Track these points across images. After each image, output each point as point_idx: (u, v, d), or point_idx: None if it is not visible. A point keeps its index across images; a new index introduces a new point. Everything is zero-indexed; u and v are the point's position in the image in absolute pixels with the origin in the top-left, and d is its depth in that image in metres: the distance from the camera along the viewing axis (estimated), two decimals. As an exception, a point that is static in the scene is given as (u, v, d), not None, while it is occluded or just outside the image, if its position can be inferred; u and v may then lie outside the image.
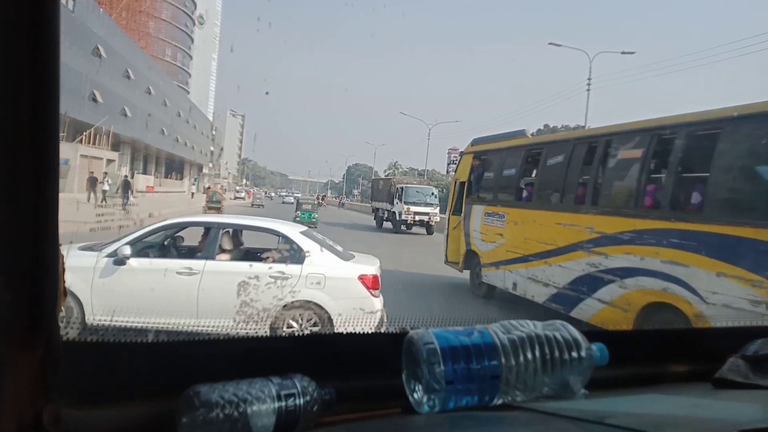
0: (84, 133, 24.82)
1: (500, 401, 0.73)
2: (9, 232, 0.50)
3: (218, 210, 19.88)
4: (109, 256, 4.80)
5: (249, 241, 5.93)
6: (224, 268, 4.96)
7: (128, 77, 32.79)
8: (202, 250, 5.14)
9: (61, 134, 0.57)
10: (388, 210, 23.78)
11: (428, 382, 0.70)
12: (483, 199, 8.60)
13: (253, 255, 5.51)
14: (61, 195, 0.56)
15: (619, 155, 5.97)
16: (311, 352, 0.76)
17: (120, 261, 4.73)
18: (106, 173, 22.41)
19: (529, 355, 0.73)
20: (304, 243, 5.06)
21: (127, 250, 4.73)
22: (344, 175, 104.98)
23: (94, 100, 26.60)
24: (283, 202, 50.94)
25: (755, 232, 4.23)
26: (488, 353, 0.73)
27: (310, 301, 4.78)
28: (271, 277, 4.83)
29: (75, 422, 0.59)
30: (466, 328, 0.76)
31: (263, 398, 0.64)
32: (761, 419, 0.66)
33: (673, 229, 4.98)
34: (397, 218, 22.07)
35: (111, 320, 4.45)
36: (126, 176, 25.70)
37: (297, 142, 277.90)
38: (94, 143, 26.26)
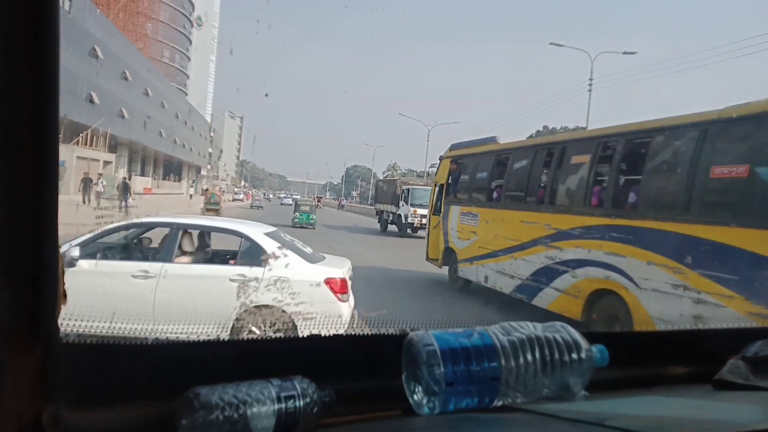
0: (81, 135, 24.73)
1: (500, 403, 0.73)
2: (9, 232, 0.50)
3: (216, 212, 19.85)
4: None
5: (222, 243, 5.78)
6: (183, 271, 4.77)
7: (125, 78, 32.71)
8: (161, 252, 4.97)
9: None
10: (393, 212, 23.14)
11: (428, 384, 0.70)
12: (459, 200, 9.40)
13: (221, 257, 5.36)
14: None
15: (571, 160, 6.74)
16: (311, 353, 0.76)
17: (69, 263, 4.38)
18: (100, 174, 22.31)
19: (529, 357, 0.73)
20: (268, 245, 4.87)
21: (75, 252, 4.47)
22: (343, 176, 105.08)
23: (91, 101, 26.50)
24: (281, 204, 50.91)
25: (676, 227, 5.04)
26: (488, 355, 0.73)
27: (271, 306, 4.58)
28: (231, 280, 4.65)
29: (74, 423, 0.59)
30: (466, 330, 0.76)
31: (263, 400, 0.63)
32: (762, 421, 0.66)
33: (613, 225, 5.76)
34: (403, 221, 21.61)
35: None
36: (125, 178, 25.62)
37: (295, 143, 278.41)
38: (90, 145, 26.16)
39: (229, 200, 43.18)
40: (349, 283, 4.98)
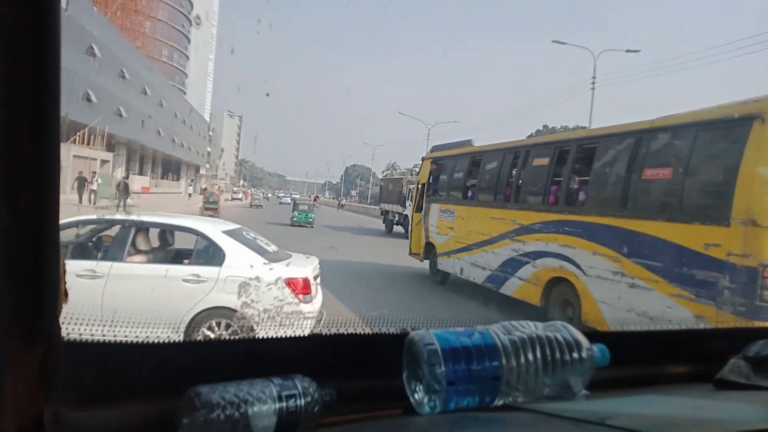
0: (78, 134, 24.63)
1: (501, 402, 0.73)
2: (9, 232, 0.50)
3: (215, 211, 19.84)
4: None
5: (190, 242, 5.39)
6: (134, 270, 4.52)
7: (123, 77, 32.59)
8: (110, 251, 4.69)
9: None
10: (399, 213, 22.08)
11: (429, 383, 0.70)
12: (438, 198, 10.13)
13: (185, 256, 5.07)
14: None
15: (533, 163, 7.55)
16: (312, 352, 0.76)
17: None
18: (94, 173, 22.02)
19: (530, 356, 0.73)
20: (225, 243, 4.59)
21: None
22: (342, 176, 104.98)
23: (88, 99, 26.34)
24: (280, 203, 50.85)
25: (615, 221, 5.80)
26: (489, 354, 0.73)
27: (226, 307, 4.32)
28: (184, 280, 4.39)
29: (75, 423, 0.59)
30: (467, 329, 0.76)
31: (264, 399, 0.64)
32: (763, 420, 0.66)
33: (566, 220, 6.54)
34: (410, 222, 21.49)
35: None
36: (124, 177, 25.52)
37: (294, 143, 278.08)
38: (88, 143, 26.03)
39: (227, 199, 43.11)
40: (315, 283, 4.75)
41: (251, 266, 4.52)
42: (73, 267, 4.38)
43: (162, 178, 48.82)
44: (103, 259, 4.62)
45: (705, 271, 4.77)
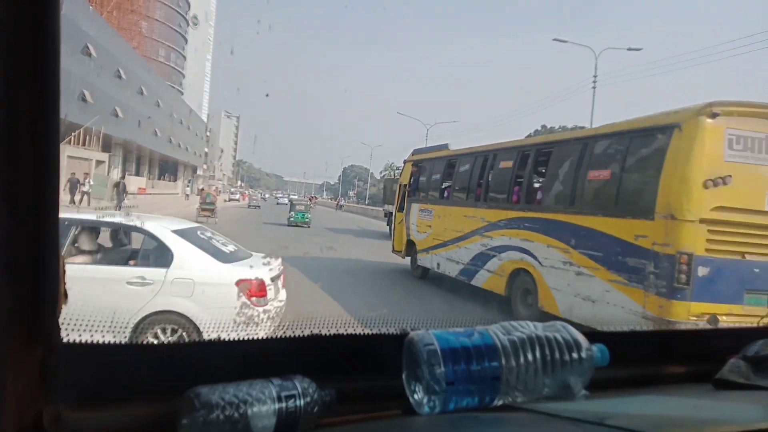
0: (73, 134, 24.47)
1: (501, 402, 0.73)
2: (9, 232, 0.50)
3: (212, 211, 19.77)
4: None
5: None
6: (73, 273, 4.14)
7: (119, 77, 32.45)
8: None
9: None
10: None
11: (429, 383, 0.70)
12: (418, 199, 10.93)
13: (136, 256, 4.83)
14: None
15: (499, 165, 8.36)
16: (311, 353, 0.76)
17: None
18: (87, 174, 21.80)
19: (530, 356, 0.74)
20: (174, 243, 4.33)
21: None
22: (340, 176, 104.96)
23: (84, 100, 26.16)
24: (277, 203, 50.81)
25: (565, 217, 6.54)
26: (489, 354, 0.73)
27: (174, 312, 4.09)
28: (128, 283, 4.14)
29: (75, 424, 0.59)
30: (467, 330, 0.76)
31: (264, 399, 0.63)
32: (762, 420, 0.67)
33: (526, 217, 7.33)
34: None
35: None
36: (121, 178, 25.37)
37: (292, 143, 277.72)
38: (83, 144, 25.84)
39: (225, 200, 42.99)
40: (274, 284, 4.53)
41: (202, 268, 4.28)
42: None
43: (159, 178, 48.67)
44: None
45: (635, 259, 5.49)
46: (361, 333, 0.79)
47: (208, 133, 73.83)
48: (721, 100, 5.28)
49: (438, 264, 9.66)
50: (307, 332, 0.75)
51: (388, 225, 24.06)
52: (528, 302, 7.19)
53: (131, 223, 4.75)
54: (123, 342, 0.65)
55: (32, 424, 0.54)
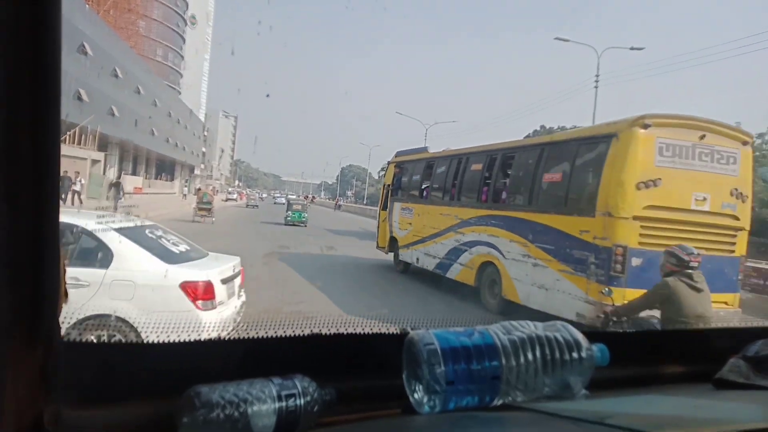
0: (68, 133, 24.30)
1: (501, 402, 0.73)
2: (9, 232, 0.50)
3: (209, 211, 19.78)
4: None
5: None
6: None
7: (116, 76, 32.31)
8: None
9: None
10: None
11: (429, 383, 0.70)
12: (400, 198, 11.75)
13: None
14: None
15: (471, 167, 9.13)
16: (312, 352, 0.76)
17: None
18: (78, 172, 21.61)
19: (530, 356, 0.73)
20: (113, 242, 4.01)
21: None
22: (338, 176, 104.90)
23: (80, 98, 25.99)
24: (274, 203, 50.79)
25: (524, 215, 7.35)
26: (489, 354, 0.73)
27: (111, 315, 3.81)
28: None
29: (75, 423, 0.59)
30: (467, 329, 0.76)
31: (264, 398, 0.63)
32: (762, 420, 0.67)
33: (492, 215, 8.14)
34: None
35: None
36: (118, 177, 25.23)
37: (291, 143, 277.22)
38: (79, 143, 25.70)
39: (223, 200, 42.89)
40: (227, 287, 4.25)
41: (144, 269, 3.99)
42: None
43: (156, 178, 48.51)
44: None
45: (580, 251, 6.23)
46: (362, 332, 0.79)
47: (205, 133, 73.66)
48: (653, 113, 6.00)
49: (417, 259, 10.45)
50: (307, 331, 0.75)
51: None
52: (494, 292, 7.92)
53: (65, 219, 4.25)
54: (123, 341, 0.65)
55: (32, 424, 0.54)
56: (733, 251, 6.37)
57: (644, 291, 4.01)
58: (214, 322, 4.02)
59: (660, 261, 3.99)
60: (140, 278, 3.93)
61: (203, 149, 70.07)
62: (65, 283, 0.57)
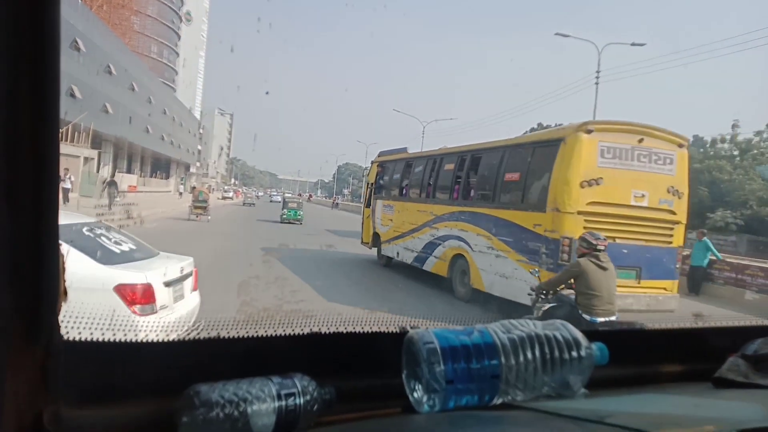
0: (61, 130, 23.89)
1: (500, 400, 0.73)
2: (9, 232, 0.50)
3: (204, 209, 19.76)
4: None
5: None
6: None
7: (110, 73, 32.08)
8: None
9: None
10: None
11: (428, 382, 0.70)
12: (382, 196, 12.46)
13: None
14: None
15: (445, 167, 9.83)
16: (311, 351, 0.75)
17: None
18: (67, 170, 21.27)
19: (529, 355, 0.73)
20: None
21: None
22: (334, 174, 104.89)
23: (72, 95, 25.73)
24: (270, 201, 50.83)
25: (489, 210, 8.06)
26: (488, 352, 0.73)
27: None
28: None
29: (75, 422, 0.59)
30: (466, 328, 0.76)
31: (263, 397, 0.63)
32: (761, 419, 0.67)
33: (462, 211, 8.83)
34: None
35: None
36: (113, 176, 25.06)
37: (286, 141, 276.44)
38: (72, 141, 25.45)
39: (219, 198, 42.76)
40: (171, 289, 3.98)
41: (74, 270, 3.44)
42: None
43: (151, 176, 48.30)
44: None
45: (533, 243, 6.94)
46: (361, 331, 0.79)
47: (201, 131, 73.35)
48: (595, 120, 6.81)
49: (398, 253, 11.15)
50: (306, 330, 0.75)
51: None
52: (464, 282, 8.59)
53: None
54: (123, 340, 0.65)
55: (32, 424, 0.54)
56: (670, 242, 7.03)
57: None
58: (154, 326, 3.61)
59: (577, 245, 4.67)
60: (72, 281, 3.40)
61: (199, 147, 69.77)
62: (65, 282, 0.57)
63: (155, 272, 3.87)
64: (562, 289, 4.72)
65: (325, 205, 56.48)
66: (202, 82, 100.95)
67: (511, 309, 7.49)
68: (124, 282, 3.68)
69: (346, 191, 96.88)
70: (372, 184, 13.21)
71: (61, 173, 16.70)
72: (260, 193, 78.20)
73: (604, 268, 4.47)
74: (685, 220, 7.16)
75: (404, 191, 11.43)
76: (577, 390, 0.75)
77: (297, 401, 0.65)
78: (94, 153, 28.97)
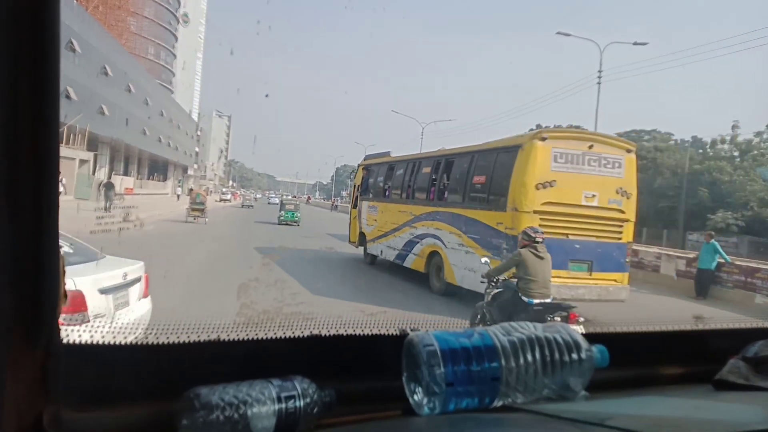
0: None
1: (500, 403, 0.73)
2: (9, 232, 0.50)
3: (201, 212, 19.73)
4: None
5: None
6: None
7: (106, 74, 31.94)
8: None
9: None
10: None
11: (428, 384, 0.70)
12: (368, 197, 13.08)
13: None
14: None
15: (422, 170, 10.56)
16: (311, 353, 0.75)
17: None
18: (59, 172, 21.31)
19: (530, 357, 0.73)
20: None
21: None
22: (333, 176, 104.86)
23: (68, 97, 25.55)
24: (268, 203, 50.83)
25: (460, 210, 8.79)
26: (488, 355, 0.73)
27: None
28: None
29: (75, 424, 0.59)
30: (466, 330, 0.76)
31: (263, 400, 0.63)
32: (762, 421, 0.67)
33: (437, 211, 9.54)
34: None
35: None
36: (110, 178, 24.95)
37: (285, 143, 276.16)
38: (67, 143, 25.27)
39: (217, 200, 42.69)
40: (110, 296, 3.72)
41: None
42: None
43: (148, 178, 48.14)
44: None
45: (496, 239, 7.67)
46: (361, 334, 0.79)
47: (198, 133, 73.27)
48: (549, 129, 8.34)
49: (381, 251, 11.75)
50: (306, 333, 0.75)
51: None
52: (439, 277, 9.21)
53: None
54: (123, 343, 0.64)
55: (32, 425, 0.54)
56: (620, 238, 7.77)
57: None
58: (82, 335, 3.36)
59: (519, 238, 5.44)
60: None
61: (196, 149, 69.67)
62: (65, 283, 0.57)
63: (89, 278, 3.54)
64: (511, 277, 5.36)
65: (324, 208, 56.50)
66: (199, 84, 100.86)
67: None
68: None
69: (344, 193, 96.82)
70: (358, 186, 13.87)
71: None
72: (258, 195, 78.17)
73: (541, 258, 5.14)
74: (634, 218, 7.90)
75: (387, 193, 12.10)
76: (577, 392, 0.75)
77: (297, 404, 0.65)
78: (89, 155, 28.81)
